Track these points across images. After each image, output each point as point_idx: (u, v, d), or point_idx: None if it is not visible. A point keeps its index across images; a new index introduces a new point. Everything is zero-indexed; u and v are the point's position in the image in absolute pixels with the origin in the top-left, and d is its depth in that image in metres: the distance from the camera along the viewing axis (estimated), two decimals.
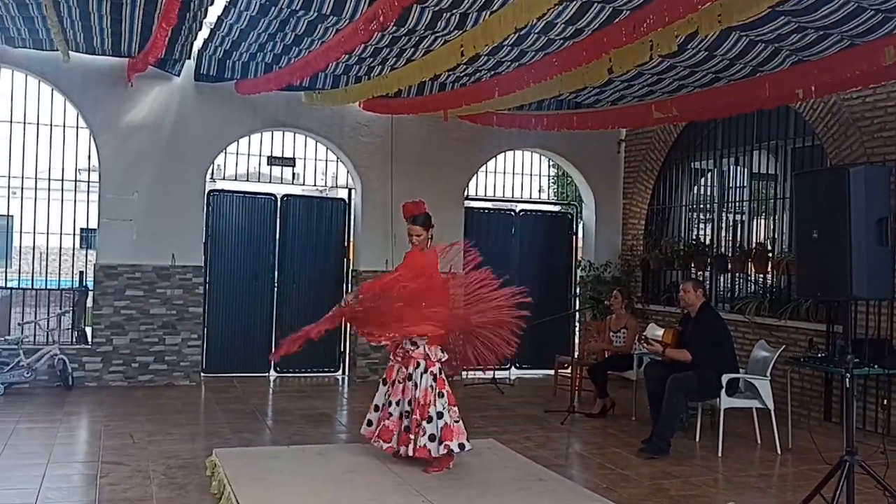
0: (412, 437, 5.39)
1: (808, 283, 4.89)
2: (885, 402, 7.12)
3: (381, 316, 5.58)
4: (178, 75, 9.10)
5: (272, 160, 10.17)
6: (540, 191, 12.59)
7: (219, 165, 10.08)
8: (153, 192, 9.22)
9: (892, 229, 4.58)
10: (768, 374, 7.10)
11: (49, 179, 9.22)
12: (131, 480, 5.56)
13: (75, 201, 9.39)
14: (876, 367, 6.51)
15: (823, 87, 5.83)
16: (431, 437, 5.36)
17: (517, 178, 11.53)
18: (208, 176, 9.72)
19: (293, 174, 10.67)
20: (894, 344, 7.08)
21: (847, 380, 4.73)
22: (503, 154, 11.20)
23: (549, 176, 12.80)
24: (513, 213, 11.40)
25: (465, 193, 10.77)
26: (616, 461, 6.64)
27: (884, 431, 7.11)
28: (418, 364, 5.54)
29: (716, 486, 6.04)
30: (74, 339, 9.30)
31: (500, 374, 10.47)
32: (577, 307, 11.07)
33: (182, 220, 9.32)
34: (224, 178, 10.28)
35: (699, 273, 9.68)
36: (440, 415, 5.43)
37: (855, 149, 7.58)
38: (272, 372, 10.14)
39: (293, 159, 10.27)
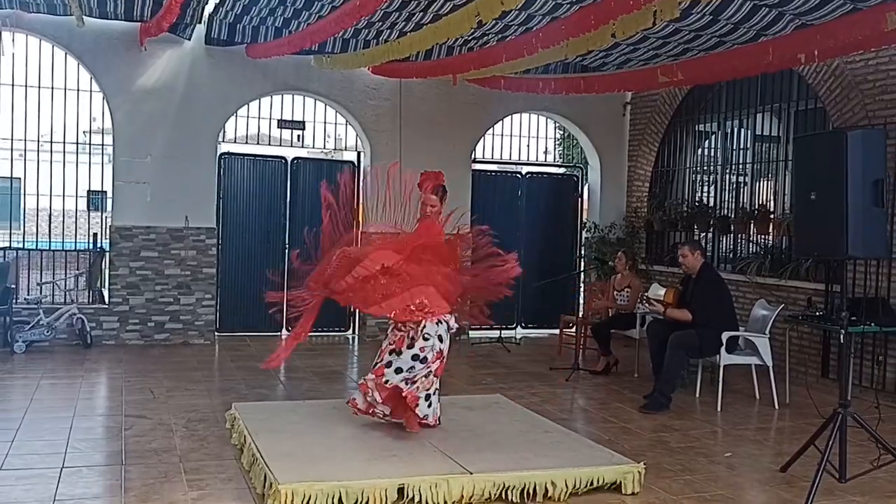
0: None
1: (805, 244, 5.06)
2: (881, 358, 7.33)
3: (366, 294, 5.42)
4: (189, 39, 9.21)
5: (282, 123, 10.32)
6: (546, 153, 12.72)
7: (230, 128, 10.21)
8: (166, 155, 9.39)
9: (887, 191, 4.74)
10: (767, 331, 7.31)
11: (64, 143, 9.40)
12: (154, 433, 5.82)
13: (90, 164, 9.57)
14: (872, 324, 6.70)
15: (826, 51, 5.94)
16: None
17: (523, 140, 11.65)
18: (220, 139, 9.88)
19: (300, 137, 10.80)
20: (890, 302, 7.26)
21: (842, 336, 4.93)
22: (509, 117, 11.32)
23: (554, 138, 12.93)
24: (519, 175, 11.55)
25: (473, 156, 10.91)
26: (619, 415, 6.88)
27: (877, 387, 7.33)
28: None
29: (714, 439, 6.28)
30: (92, 299, 9.55)
31: (506, 333, 10.73)
32: (582, 268, 11.28)
33: (194, 182, 9.50)
34: (235, 141, 10.43)
35: (702, 234, 9.86)
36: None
37: (857, 111, 7.69)
38: (283, 331, 10.38)
39: (303, 122, 10.41)
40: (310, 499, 4.27)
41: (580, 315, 9.98)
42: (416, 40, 6.80)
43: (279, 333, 10.33)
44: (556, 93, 8.96)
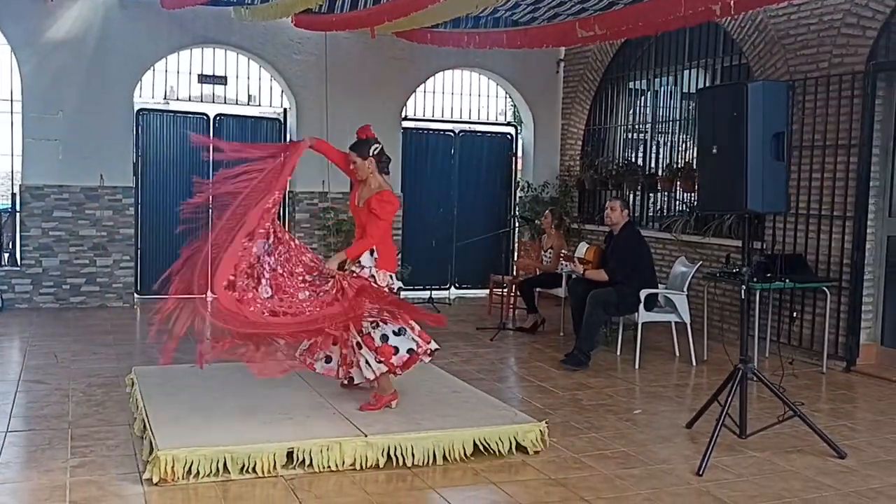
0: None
1: (708, 198, 4.99)
2: (795, 314, 7.37)
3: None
4: None
5: (203, 78, 9.96)
6: (494, 114, 12.46)
7: (148, 83, 9.80)
8: (79, 111, 9.01)
9: (787, 144, 4.66)
10: (685, 289, 7.29)
11: None
12: (49, 398, 5.60)
13: (12, 123, 9.12)
14: (786, 281, 6.71)
15: (740, 2, 5.81)
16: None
17: (461, 98, 11.42)
18: (137, 94, 9.50)
19: (224, 90, 10.44)
20: (807, 259, 7.28)
21: (743, 291, 4.89)
22: (444, 75, 11.09)
23: (505, 97, 12.65)
24: (452, 133, 11.34)
25: (403, 114, 10.68)
26: (537, 374, 6.83)
27: (793, 343, 7.37)
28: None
29: (627, 396, 6.25)
30: (4, 261, 9.18)
31: (439, 293, 10.63)
32: (514, 227, 11.19)
33: (110, 139, 9.14)
34: (158, 98, 10.04)
35: (630, 192, 9.81)
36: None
37: (779, 66, 7.63)
38: (209, 293, 10.11)
39: (224, 77, 10.06)
40: (192, 465, 4.11)
41: (512, 274, 9.91)
42: None
43: (205, 296, 10.06)
44: (480, 47, 8.74)
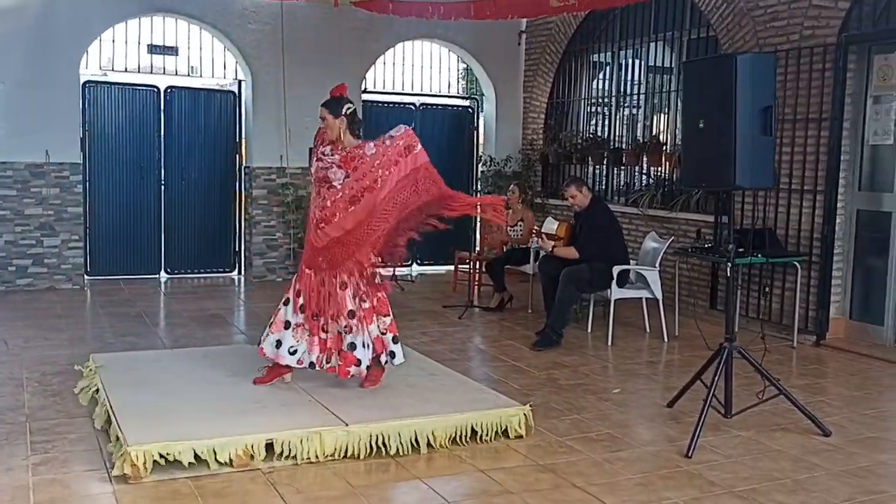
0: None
1: (692, 174, 4.87)
2: (766, 289, 7.37)
3: None
4: None
5: (153, 49, 9.52)
6: (449, 86, 12.25)
7: (95, 54, 9.33)
8: (21, 83, 8.52)
9: (775, 119, 4.57)
10: (657, 264, 7.23)
11: None
12: (2, 389, 5.27)
13: None
14: (758, 255, 6.68)
15: None
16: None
17: (423, 71, 11.17)
18: (83, 66, 9.02)
19: (175, 62, 10.01)
20: (777, 233, 7.27)
21: (728, 269, 4.80)
22: (404, 46, 10.82)
23: (458, 70, 12.44)
24: (413, 106, 11.09)
25: (363, 86, 10.38)
26: (509, 353, 6.70)
27: (763, 318, 7.37)
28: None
29: (603, 375, 6.17)
30: None
31: (400, 270, 10.41)
32: None
33: (55, 113, 8.67)
34: (105, 69, 9.57)
35: (595, 166, 9.71)
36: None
37: (748, 39, 7.55)
38: (162, 273, 9.79)
39: (176, 48, 9.63)
40: (164, 460, 3.88)
41: (476, 251, 9.75)
42: None
43: (157, 276, 9.74)
44: (444, 18, 8.52)
